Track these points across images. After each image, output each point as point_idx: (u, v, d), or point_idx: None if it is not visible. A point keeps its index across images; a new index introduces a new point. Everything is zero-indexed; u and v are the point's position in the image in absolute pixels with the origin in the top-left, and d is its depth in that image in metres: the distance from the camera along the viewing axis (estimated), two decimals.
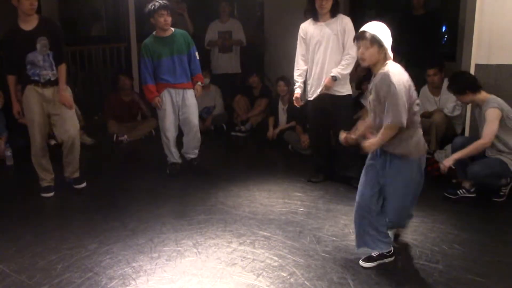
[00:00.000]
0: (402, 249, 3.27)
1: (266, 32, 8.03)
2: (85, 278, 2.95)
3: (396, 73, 2.83)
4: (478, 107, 4.13)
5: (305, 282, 2.89)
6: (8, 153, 5.34)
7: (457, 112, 5.38)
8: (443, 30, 7.30)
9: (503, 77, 4.28)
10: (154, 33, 4.71)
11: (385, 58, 2.88)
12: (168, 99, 4.71)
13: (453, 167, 4.05)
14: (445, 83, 5.50)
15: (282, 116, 6.22)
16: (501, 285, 2.89)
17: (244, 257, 3.19)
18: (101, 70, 7.76)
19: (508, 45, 4.22)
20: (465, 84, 4.09)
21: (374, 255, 3.09)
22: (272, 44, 7.81)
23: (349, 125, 4.31)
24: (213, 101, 6.85)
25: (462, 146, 4.07)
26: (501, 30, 4.21)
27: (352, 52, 4.16)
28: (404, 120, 2.80)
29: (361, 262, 3.07)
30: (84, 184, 4.47)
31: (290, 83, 6.21)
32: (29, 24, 4.05)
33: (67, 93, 4.24)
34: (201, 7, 8.07)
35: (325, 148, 4.61)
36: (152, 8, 4.52)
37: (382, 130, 2.88)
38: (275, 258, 3.18)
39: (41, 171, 4.33)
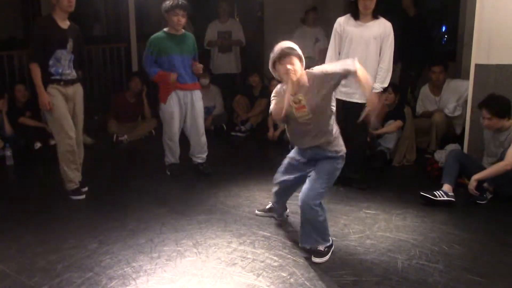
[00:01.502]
0: (402, 249, 3.27)
1: (266, 32, 8.04)
2: (85, 278, 2.95)
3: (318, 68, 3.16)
4: (495, 131, 4.13)
5: (305, 282, 2.89)
6: (8, 153, 5.34)
7: (457, 113, 5.39)
8: (440, 30, 7.32)
9: (503, 77, 4.29)
10: (165, 29, 4.67)
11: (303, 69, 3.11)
12: (175, 102, 4.65)
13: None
14: (446, 83, 5.52)
15: None
16: (501, 285, 2.89)
17: (244, 257, 3.19)
18: (101, 70, 7.77)
19: (508, 45, 4.22)
20: (507, 109, 4.05)
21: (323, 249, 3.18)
22: (272, 44, 7.81)
23: (360, 134, 4.30)
24: (213, 101, 6.86)
25: (456, 161, 4.16)
26: (501, 30, 4.22)
27: (384, 65, 4.14)
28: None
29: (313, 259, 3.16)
30: (85, 189, 4.38)
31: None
32: (64, 22, 4.10)
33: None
34: (200, 7, 8.07)
35: None
36: (170, 5, 4.51)
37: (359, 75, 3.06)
38: (275, 258, 3.18)
39: (71, 172, 4.25)
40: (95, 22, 8.98)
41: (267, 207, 3.89)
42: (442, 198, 3.98)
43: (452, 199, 3.99)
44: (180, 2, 4.49)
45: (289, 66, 3.04)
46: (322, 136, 3.14)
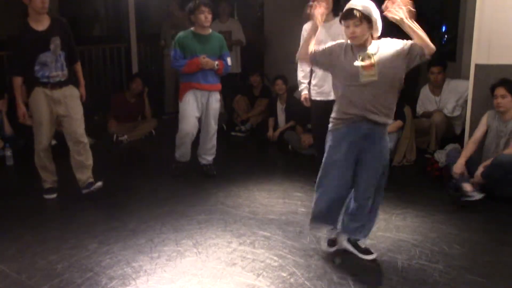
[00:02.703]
0: (402, 249, 3.27)
1: (266, 32, 8.04)
2: (85, 278, 2.95)
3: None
4: (501, 120, 4.15)
5: (305, 282, 2.89)
6: (8, 153, 5.34)
7: (457, 113, 5.39)
8: (440, 30, 7.33)
9: (503, 77, 4.28)
10: (192, 28, 4.65)
11: (376, 32, 2.87)
12: (192, 100, 4.64)
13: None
14: (446, 83, 5.52)
15: (281, 116, 6.23)
16: (501, 285, 2.89)
17: (244, 257, 3.19)
18: (101, 70, 7.77)
19: (508, 45, 4.22)
20: None
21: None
22: (272, 44, 7.82)
23: None
24: None
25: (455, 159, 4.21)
26: (501, 30, 4.22)
27: None
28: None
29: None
30: (100, 183, 4.26)
31: (288, 81, 6.23)
32: (41, 24, 3.98)
33: (83, 90, 4.32)
34: None
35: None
36: (193, 5, 4.50)
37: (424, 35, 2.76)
38: (275, 258, 3.18)
39: (43, 172, 4.31)
40: (95, 22, 8.97)
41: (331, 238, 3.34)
42: (476, 198, 3.99)
43: (480, 195, 4.00)
44: (203, 0, 4.48)
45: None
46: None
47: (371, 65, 2.83)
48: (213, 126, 4.81)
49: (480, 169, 4.04)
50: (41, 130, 4.13)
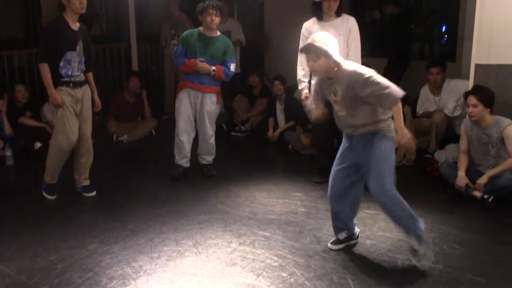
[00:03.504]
0: (402, 249, 3.27)
1: (266, 32, 8.04)
2: (85, 278, 2.95)
3: (357, 66, 2.96)
4: (477, 127, 4.13)
5: (305, 282, 2.89)
6: (8, 153, 5.34)
7: (457, 113, 5.39)
8: (440, 30, 7.36)
9: (503, 77, 4.28)
10: (200, 28, 4.66)
11: (335, 63, 2.92)
12: (185, 99, 4.66)
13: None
14: (446, 83, 5.52)
15: (280, 116, 6.23)
16: (501, 285, 2.89)
17: (244, 257, 3.19)
18: (101, 70, 7.76)
19: (508, 45, 4.22)
20: (492, 99, 4.06)
21: (341, 238, 3.26)
22: (272, 44, 7.82)
23: None
24: None
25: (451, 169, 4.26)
26: (501, 30, 4.21)
27: (351, 57, 4.13)
28: (400, 91, 2.84)
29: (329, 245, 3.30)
30: (93, 193, 4.37)
31: (286, 82, 6.24)
32: (75, 24, 4.10)
33: (97, 98, 4.42)
34: None
35: (328, 148, 4.58)
36: (202, 6, 4.51)
37: (395, 111, 2.88)
38: (275, 258, 3.18)
39: (54, 170, 4.26)
40: (95, 22, 8.96)
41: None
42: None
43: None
44: (212, 2, 4.49)
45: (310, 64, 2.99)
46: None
47: (337, 102, 3.02)
48: (209, 128, 4.78)
49: (485, 179, 4.00)
50: (66, 123, 4.09)
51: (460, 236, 3.48)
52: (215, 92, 4.74)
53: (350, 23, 4.26)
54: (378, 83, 2.83)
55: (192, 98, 4.68)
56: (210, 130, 4.80)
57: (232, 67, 4.70)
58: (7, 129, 5.64)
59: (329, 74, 2.98)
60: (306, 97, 4.37)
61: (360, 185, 3.21)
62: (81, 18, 4.21)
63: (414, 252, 3.04)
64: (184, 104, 4.68)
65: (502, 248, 3.32)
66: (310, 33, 4.29)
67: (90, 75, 4.37)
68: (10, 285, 2.90)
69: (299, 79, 4.43)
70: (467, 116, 4.20)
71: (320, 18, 4.30)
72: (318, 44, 2.89)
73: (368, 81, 2.84)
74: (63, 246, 3.37)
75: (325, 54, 2.88)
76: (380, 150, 2.99)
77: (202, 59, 4.55)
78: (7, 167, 5.32)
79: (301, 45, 4.38)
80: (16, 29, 7.70)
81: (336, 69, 2.94)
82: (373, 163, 2.99)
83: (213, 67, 4.58)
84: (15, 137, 5.63)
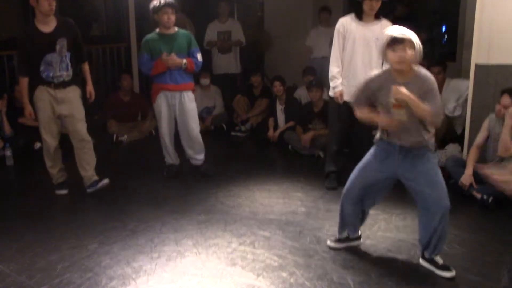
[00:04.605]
0: (402, 249, 3.27)
1: (266, 32, 8.03)
2: (85, 278, 2.95)
3: (428, 72, 2.88)
4: (500, 119, 4.10)
5: (305, 282, 2.89)
6: (8, 153, 5.34)
7: (457, 113, 5.38)
8: (440, 30, 7.35)
9: (503, 77, 4.29)
10: (157, 30, 4.64)
11: (416, 61, 2.84)
12: (163, 102, 4.63)
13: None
14: (446, 83, 5.52)
15: (280, 117, 6.23)
16: (501, 285, 2.89)
17: (244, 257, 3.19)
18: (101, 70, 7.76)
19: (508, 45, 4.22)
20: None
21: (342, 238, 3.28)
22: (272, 44, 7.81)
23: (365, 133, 4.24)
24: (213, 101, 6.86)
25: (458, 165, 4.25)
26: (501, 30, 4.21)
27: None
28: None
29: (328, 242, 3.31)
30: (107, 180, 4.35)
31: (285, 82, 6.24)
32: (47, 25, 4.02)
33: (91, 89, 4.37)
34: (200, 7, 8.07)
35: (340, 154, 4.52)
36: (157, 5, 4.47)
37: (427, 108, 2.75)
38: (275, 258, 3.18)
39: (53, 170, 4.31)
40: (95, 22, 8.97)
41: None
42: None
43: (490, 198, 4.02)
44: (167, 1, 4.44)
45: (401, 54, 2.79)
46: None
47: (401, 106, 2.84)
48: (193, 127, 4.72)
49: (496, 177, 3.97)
50: (44, 127, 4.16)
51: (460, 236, 3.48)
52: (190, 89, 4.71)
53: (386, 27, 4.14)
54: (437, 97, 2.80)
55: (169, 100, 4.63)
56: (195, 128, 4.75)
57: (199, 56, 4.67)
58: (7, 129, 5.64)
59: (405, 70, 2.84)
60: (341, 95, 4.25)
61: (380, 198, 3.20)
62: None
63: (442, 267, 2.99)
64: (163, 107, 4.64)
65: (502, 248, 3.32)
66: (346, 30, 4.20)
67: (85, 65, 4.33)
68: (10, 285, 2.90)
69: (333, 76, 4.26)
70: (494, 114, 4.15)
71: (360, 17, 4.19)
72: (413, 36, 2.77)
73: (434, 92, 2.78)
74: (63, 246, 3.37)
75: (417, 48, 2.77)
76: (435, 164, 2.96)
77: (166, 54, 4.49)
78: (7, 167, 5.33)
79: (336, 41, 4.26)
80: (16, 29, 7.70)
81: (410, 68, 2.85)
82: (433, 177, 2.92)
83: (184, 60, 4.54)
84: (15, 137, 5.63)
